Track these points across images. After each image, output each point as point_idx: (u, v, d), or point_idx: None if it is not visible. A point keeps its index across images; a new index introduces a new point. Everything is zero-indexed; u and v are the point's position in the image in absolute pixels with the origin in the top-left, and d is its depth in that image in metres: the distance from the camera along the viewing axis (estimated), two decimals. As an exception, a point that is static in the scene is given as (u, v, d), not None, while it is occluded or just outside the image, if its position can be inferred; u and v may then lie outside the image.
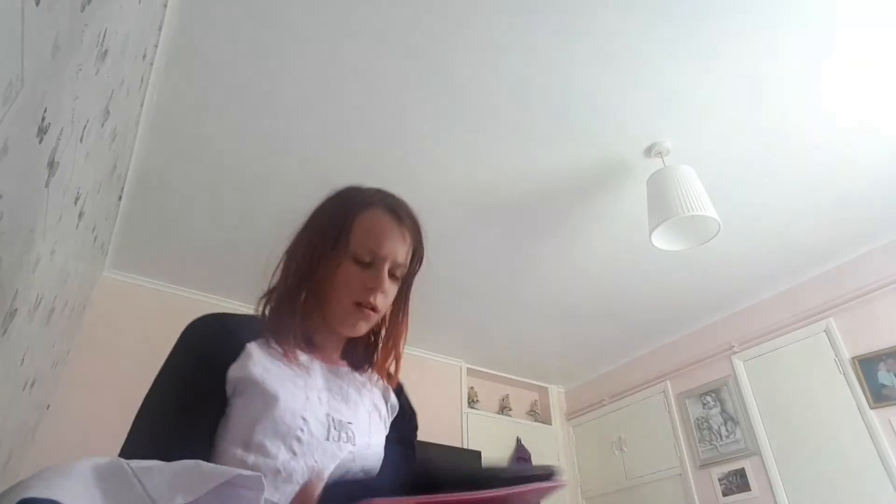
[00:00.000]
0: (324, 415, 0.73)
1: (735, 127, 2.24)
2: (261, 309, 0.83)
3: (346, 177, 2.68)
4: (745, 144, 2.33)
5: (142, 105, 2.06)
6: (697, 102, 2.14)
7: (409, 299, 0.89)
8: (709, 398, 3.55)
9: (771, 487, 3.06)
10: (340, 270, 0.78)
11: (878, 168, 2.47)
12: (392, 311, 0.87)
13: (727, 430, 3.38)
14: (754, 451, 3.20)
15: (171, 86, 2.03)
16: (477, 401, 4.24)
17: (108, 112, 1.49)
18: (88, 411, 2.71)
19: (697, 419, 3.57)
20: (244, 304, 3.46)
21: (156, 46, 1.86)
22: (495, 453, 4.01)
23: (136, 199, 2.60)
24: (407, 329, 0.89)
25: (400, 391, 0.92)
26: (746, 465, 3.22)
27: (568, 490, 4.21)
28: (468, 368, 4.27)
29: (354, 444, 0.75)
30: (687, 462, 3.54)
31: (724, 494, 3.28)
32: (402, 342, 0.88)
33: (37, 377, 1.97)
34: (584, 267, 3.12)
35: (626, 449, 3.99)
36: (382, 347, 0.87)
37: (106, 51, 1.20)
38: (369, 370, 0.88)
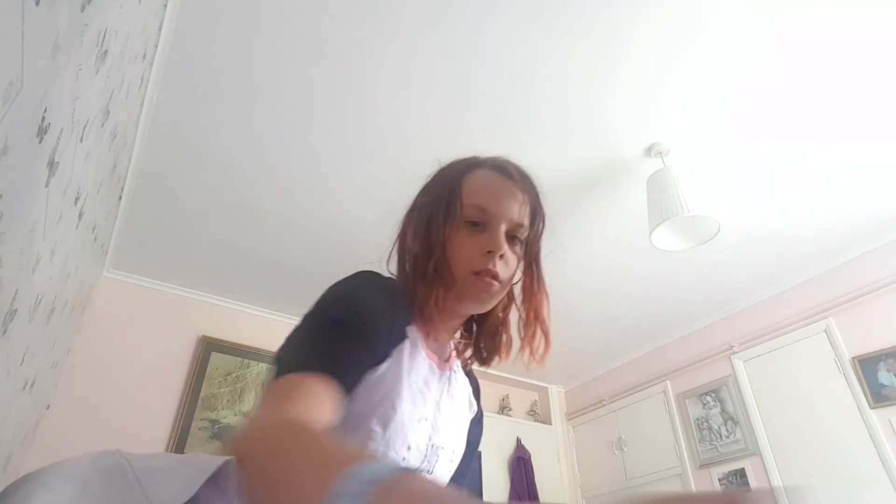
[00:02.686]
0: (425, 440, 0.69)
1: (735, 127, 2.24)
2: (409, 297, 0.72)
3: (345, 177, 2.69)
4: (745, 144, 2.32)
5: (142, 105, 2.06)
6: (698, 102, 2.14)
7: (540, 266, 0.77)
8: (709, 398, 3.54)
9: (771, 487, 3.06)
10: (455, 239, 0.70)
11: (878, 168, 2.47)
12: (525, 283, 0.76)
13: (727, 430, 3.38)
14: (754, 451, 3.20)
15: (171, 86, 2.03)
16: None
17: (108, 112, 1.49)
18: (88, 411, 2.71)
19: (697, 419, 3.57)
20: (244, 305, 3.46)
21: (156, 46, 1.86)
22: (495, 453, 4.01)
23: (136, 199, 2.60)
24: (548, 298, 0.77)
25: (478, 393, 0.88)
26: (746, 465, 3.22)
27: (568, 490, 4.21)
28: (468, 368, 4.27)
29: (431, 474, 0.70)
30: (687, 462, 3.53)
31: (724, 494, 3.27)
32: (545, 312, 0.76)
33: (37, 377, 1.97)
34: (585, 267, 3.12)
35: (626, 449, 3.98)
36: (525, 325, 0.76)
37: (106, 51, 1.20)
38: (495, 352, 0.80)
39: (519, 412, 4.48)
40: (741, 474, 3.23)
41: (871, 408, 2.77)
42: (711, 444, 3.43)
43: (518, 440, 4.16)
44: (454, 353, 0.81)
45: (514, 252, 0.73)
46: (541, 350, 0.76)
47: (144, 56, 1.77)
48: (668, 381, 3.84)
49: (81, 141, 1.26)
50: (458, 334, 0.81)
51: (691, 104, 2.14)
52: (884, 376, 2.77)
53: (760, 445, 3.17)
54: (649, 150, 2.33)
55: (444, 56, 1.94)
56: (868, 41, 1.91)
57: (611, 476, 4.02)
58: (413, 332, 0.71)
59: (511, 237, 0.72)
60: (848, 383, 2.89)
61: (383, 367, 0.64)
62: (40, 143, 0.92)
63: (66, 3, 0.81)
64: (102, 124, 1.48)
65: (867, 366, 2.83)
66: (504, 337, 0.80)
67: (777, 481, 3.05)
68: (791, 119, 2.21)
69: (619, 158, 2.38)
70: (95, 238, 2.30)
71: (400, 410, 0.64)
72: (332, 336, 0.60)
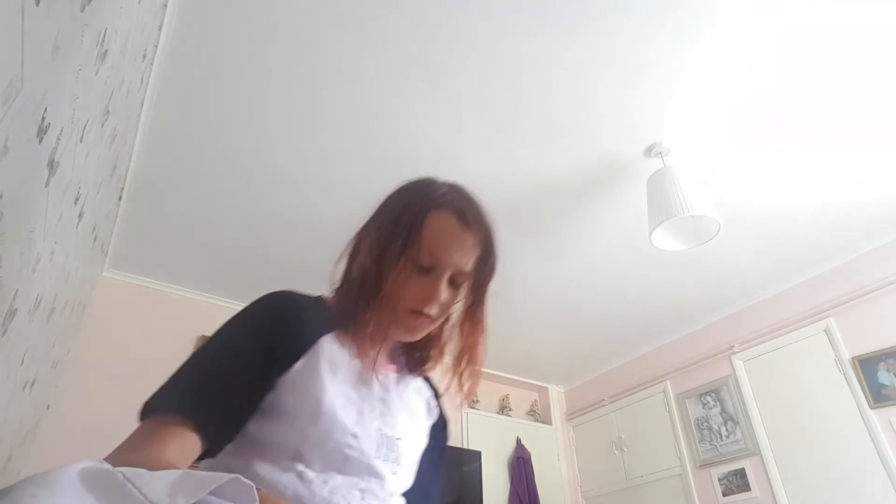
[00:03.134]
0: (375, 430, 0.71)
1: (735, 127, 2.24)
2: (333, 296, 0.80)
3: (345, 177, 2.70)
4: (745, 144, 2.33)
5: (142, 105, 2.06)
6: (697, 102, 2.14)
7: (483, 310, 0.82)
8: (709, 398, 3.55)
9: (771, 487, 3.06)
10: (402, 276, 0.74)
11: (877, 168, 2.47)
12: (464, 321, 0.82)
13: (727, 430, 3.38)
14: (754, 451, 3.20)
15: (171, 86, 2.03)
16: (477, 401, 4.24)
17: (108, 112, 1.49)
18: (88, 411, 2.71)
19: (697, 419, 3.57)
20: (244, 304, 3.45)
21: (156, 46, 1.86)
22: (495, 453, 4.01)
23: (136, 199, 2.60)
24: (485, 339, 0.82)
25: (437, 399, 0.90)
26: (746, 465, 3.22)
27: (568, 490, 4.21)
28: (468, 368, 4.27)
29: (399, 464, 0.73)
30: (687, 462, 3.54)
31: (724, 494, 3.28)
32: (479, 352, 0.82)
33: (37, 377, 1.97)
34: (585, 267, 3.12)
35: (626, 449, 3.99)
36: (456, 360, 0.81)
37: (106, 51, 1.20)
38: (421, 374, 0.85)
39: (519, 412, 4.48)
40: (741, 474, 3.23)
41: (871, 408, 2.77)
42: (711, 444, 3.43)
43: (518, 440, 4.17)
44: (400, 358, 0.86)
45: (454, 292, 0.78)
46: (468, 386, 0.81)
47: (144, 56, 1.77)
48: (668, 381, 3.84)
49: (81, 141, 1.26)
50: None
51: (691, 104, 2.14)
52: (884, 376, 2.77)
53: (760, 445, 3.17)
54: (649, 150, 2.33)
55: (442, 57, 1.94)
56: (868, 40, 1.91)
57: (611, 476, 4.02)
58: (340, 335, 0.75)
59: (452, 280, 0.77)
60: (848, 383, 2.89)
61: (297, 366, 0.68)
62: (40, 143, 0.92)
63: (66, 3, 0.81)
64: (102, 124, 1.48)
65: (867, 366, 2.84)
66: (435, 350, 0.85)
67: (777, 481, 3.05)
68: (791, 119, 2.21)
69: (619, 158, 2.38)
70: (95, 238, 2.30)
71: (326, 401, 0.66)
72: (211, 370, 0.65)
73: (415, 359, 0.85)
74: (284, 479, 0.63)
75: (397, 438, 0.74)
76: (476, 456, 3.87)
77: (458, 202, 0.79)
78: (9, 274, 1.02)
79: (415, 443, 0.79)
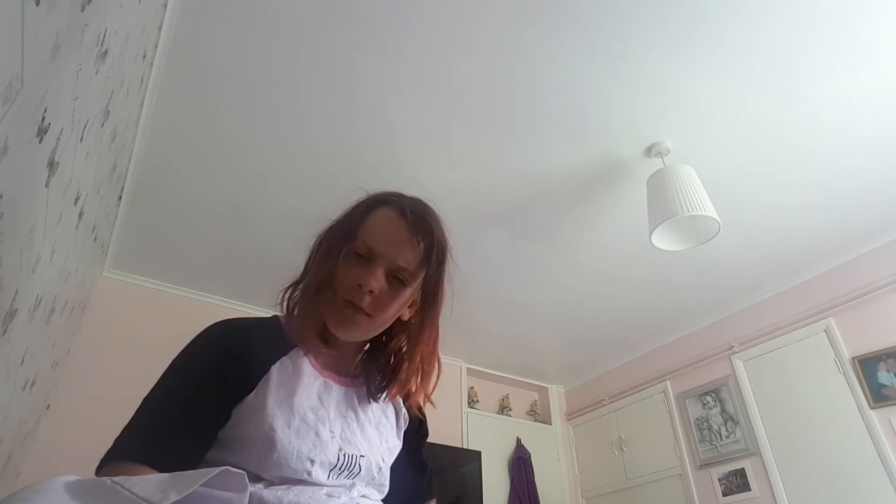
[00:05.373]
0: (335, 451, 0.71)
1: (735, 127, 2.24)
2: (285, 307, 0.80)
3: (346, 177, 2.69)
4: (746, 144, 2.32)
5: (142, 105, 2.06)
6: (697, 102, 2.14)
7: (434, 309, 0.80)
8: (709, 398, 3.55)
9: (771, 487, 3.06)
10: (341, 268, 0.74)
11: (877, 168, 2.47)
12: (414, 324, 0.80)
13: (727, 430, 3.38)
14: (754, 451, 3.20)
15: (171, 86, 2.03)
16: (477, 401, 4.24)
17: (108, 112, 1.49)
18: (88, 411, 2.71)
19: (697, 419, 3.57)
20: (244, 304, 3.46)
21: (156, 46, 1.86)
22: (495, 453, 4.01)
23: (136, 199, 2.60)
24: (435, 342, 0.81)
25: (408, 402, 0.90)
26: (746, 465, 3.22)
27: (568, 490, 4.21)
28: (468, 368, 4.27)
29: (362, 481, 0.74)
30: (687, 462, 3.54)
31: (724, 494, 3.28)
32: (433, 360, 0.81)
33: (37, 377, 1.97)
34: (585, 267, 3.12)
35: (626, 449, 3.99)
36: (409, 364, 0.80)
37: (106, 51, 1.20)
38: (385, 388, 0.84)
39: (519, 412, 4.48)
40: (741, 474, 3.23)
41: (871, 408, 2.77)
42: (711, 444, 3.43)
43: (518, 440, 4.17)
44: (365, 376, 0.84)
45: (394, 292, 0.75)
46: (413, 387, 0.80)
47: (144, 56, 1.77)
48: (668, 381, 3.84)
49: (81, 141, 1.26)
50: (358, 358, 0.85)
51: (691, 104, 2.14)
52: (884, 376, 2.77)
53: (760, 445, 3.17)
54: (649, 150, 2.33)
55: (442, 57, 1.93)
56: (868, 39, 1.91)
57: (611, 476, 4.02)
58: (295, 355, 0.75)
59: (394, 278, 0.75)
60: (848, 383, 2.89)
61: (249, 397, 0.68)
62: (40, 143, 0.92)
63: (66, 3, 0.81)
64: (102, 124, 1.48)
65: (867, 366, 2.83)
66: (399, 375, 0.83)
67: (777, 481, 3.05)
68: (790, 118, 2.21)
69: (619, 158, 2.38)
70: (95, 238, 2.30)
71: (279, 431, 0.66)
72: (167, 411, 0.65)
73: (377, 384, 0.82)
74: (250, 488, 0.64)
75: (360, 456, 0.73)
76: (476, 456, 3.87)
77: (406, 202, 0.80)
78: (9, 274, 1.02)
79: (382, 456, 0.78)
